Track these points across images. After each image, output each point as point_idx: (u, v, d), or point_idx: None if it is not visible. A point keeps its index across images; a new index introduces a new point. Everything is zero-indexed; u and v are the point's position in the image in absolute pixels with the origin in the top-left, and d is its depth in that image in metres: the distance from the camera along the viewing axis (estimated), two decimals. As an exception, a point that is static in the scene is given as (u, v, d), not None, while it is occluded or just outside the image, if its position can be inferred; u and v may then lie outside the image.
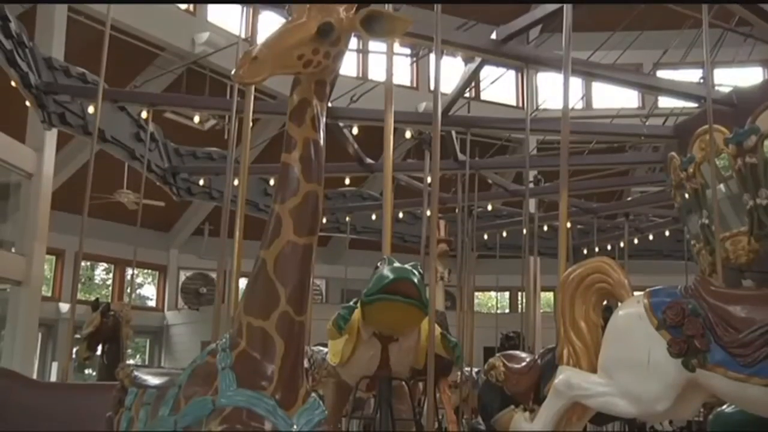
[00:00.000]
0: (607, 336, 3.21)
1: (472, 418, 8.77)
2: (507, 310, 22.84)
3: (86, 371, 14.39)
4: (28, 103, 8.68)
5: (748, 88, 7.05)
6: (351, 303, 4.19)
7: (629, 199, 14.59)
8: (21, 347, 11.25)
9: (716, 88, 8.07)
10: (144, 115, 9.14)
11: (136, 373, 2.57)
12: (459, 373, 8.98)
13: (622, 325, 3.15)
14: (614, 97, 15.29)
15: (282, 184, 2.24)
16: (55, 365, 16.14)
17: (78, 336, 7.23)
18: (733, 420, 3.75)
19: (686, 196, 6.74)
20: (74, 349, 7.75)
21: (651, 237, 14.32)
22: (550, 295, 20.59)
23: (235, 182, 6.35)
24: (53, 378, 14.57)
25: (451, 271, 7.51)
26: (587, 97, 17.22)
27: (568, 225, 6.64)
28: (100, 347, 6.83)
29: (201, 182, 11.99)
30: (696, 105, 7.63)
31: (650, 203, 12.98)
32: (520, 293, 18.24)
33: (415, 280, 3.79)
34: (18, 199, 12.20)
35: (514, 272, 13.17)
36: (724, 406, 3.90)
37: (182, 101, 10.46)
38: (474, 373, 9.79)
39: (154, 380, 2.49)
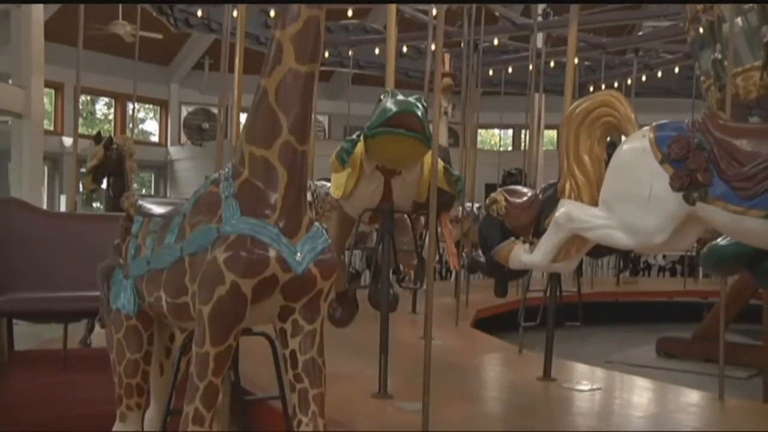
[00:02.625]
0: (610, 170, 3.20)
1: (472, 252, 9.03)
2: (510, 148, 22.91)
3: (94, 204, 14.69)
4: None
5: None
6: (354, 136, 4.17)
7: (640, 33, 14.14)
8: (28, 180, 11.39)
9: None
10: (135, -62, 8.65)
11: (140, 202, 2.59)
12: (460, 208, 9.14)
13: (625, 159, 3.14)
14: None
15: (282, 10, 2.15)
16: (63, 198, 16.45)
17: (83, 170, 7.28)
18: (726, 252, 3.84)
19: (700, 30, 6.51)
20: (81, 183, 7.83)
21: (660, 74, 14.03)
22: (553, 133, 20.55)
23: (234, 13, 6.11)
24: (62, 210, 14.88)
25: (455, 106, 7.42)
26: None
27: (576, 61, 6.46)
28: (105, 180, 6.88)
29: (199, 13, 11.59)
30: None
31: (661, 38, 12.60)
32: (523, 131, 18.16)
33: (419, 113, 3.74)
34: (8, 28, 11.85)
35: (519, 109, 13.05)
36: (718, 240, 3.98)
37: None
38: (475, 209, 9.98)
39: (158, 209, 2.51)
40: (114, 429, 2.48)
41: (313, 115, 2.25)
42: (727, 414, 4.31)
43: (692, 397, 4.69)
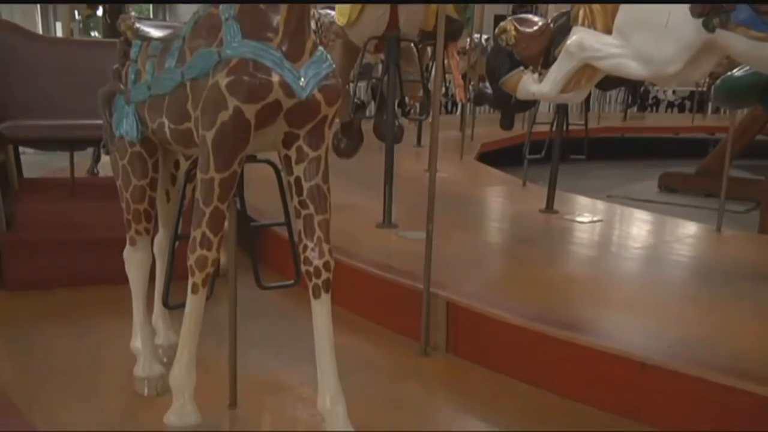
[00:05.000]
0: (627, -5, 3.06)
1: (479, 84, 8.89)
2: (521, -24, 21.90)
3: (92, 33, 14.31)
4: None
5: None
6: (358, -43, 3.96)
7: None
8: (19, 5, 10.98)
9: None
10: None
11: (137, 24, 2.49)
12: (468, 39, 8.88)
13: (645, -16, 2.99)
14: None
15: None
16: (58, 25, 15.98)
17: (77, -5, 7.02)
18: (741, 83, 3.76)
19: None
20: (75, 9, 7.57)
21: None
22: (568, -40, 19.55)
23: None
24: (59, 39, 14.51)
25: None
26: None
27: None
28: (100, 7, 6.65)
29: None
30: None
31: None
32: (536, -43, 17.24)
33: (427, -66, 3.53)
34: None
35: (533, -67, 12.32)
36: (733, 71, 3.89)
37: None
38: (483, 41, 9.71)
39: (157, 32, 2.41)
40: (125, 253, 2.54)
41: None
42: (723, 244, 4.41)
43: (690, 229, 4.78)
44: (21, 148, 4.37)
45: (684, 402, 2.31)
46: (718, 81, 4.04)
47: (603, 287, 3.34)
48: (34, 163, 5.99)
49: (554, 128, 5.09)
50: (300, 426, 2.27)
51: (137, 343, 2.53)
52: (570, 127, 5.12)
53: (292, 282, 2.33)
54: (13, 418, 2.25)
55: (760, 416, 2.16)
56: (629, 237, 4.67)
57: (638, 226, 4.98)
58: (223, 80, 1.95)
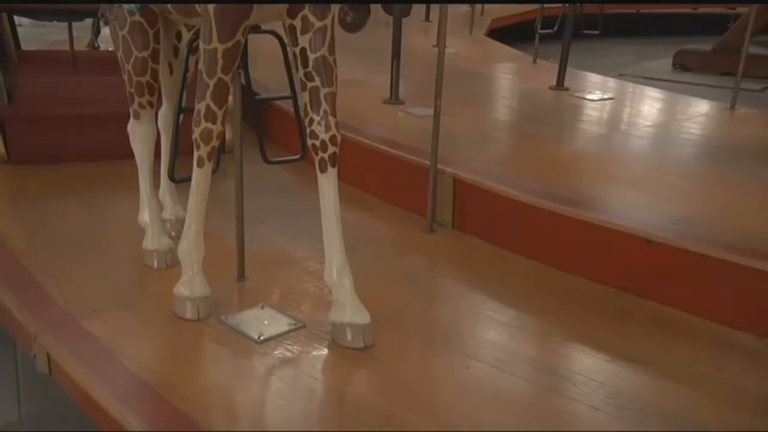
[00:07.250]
0: None
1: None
2: None
3: None
4: None
5: None
6: None
7: None
8: None
9: None
10: None
11: None
12: None
13: None
14: None
15: None
16: None
17: None
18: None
19: None
20: None
21: None
22: None
23: None
24: None
25: None
26: None
27: None
28: None
29: None
30: None
31: None
32: None
33: None
34: None
35: None
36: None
37: None
38: None
39: None
40: (129, 127, 2.51)
41: None
42: (735, 122, 4.34)
43: (702, 107, 4.70)
44: (17, 19, 4.24)
45: (688, 278, 2.33)
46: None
47: (610, 165, 3.32)
48: (32, 35, 5.86)
49: (568, 3, 4.92)
50: (307, 297, 2.32)
51: (145, 216, 2.54)
52: (584, 2, 4.95)
53: (298, 156, 2.32)
54: (30, 286, 2.30)
55: (762, 292, 2.19)
56: (640, 115, 4.60)
57: (649, 104, 4.89)
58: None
